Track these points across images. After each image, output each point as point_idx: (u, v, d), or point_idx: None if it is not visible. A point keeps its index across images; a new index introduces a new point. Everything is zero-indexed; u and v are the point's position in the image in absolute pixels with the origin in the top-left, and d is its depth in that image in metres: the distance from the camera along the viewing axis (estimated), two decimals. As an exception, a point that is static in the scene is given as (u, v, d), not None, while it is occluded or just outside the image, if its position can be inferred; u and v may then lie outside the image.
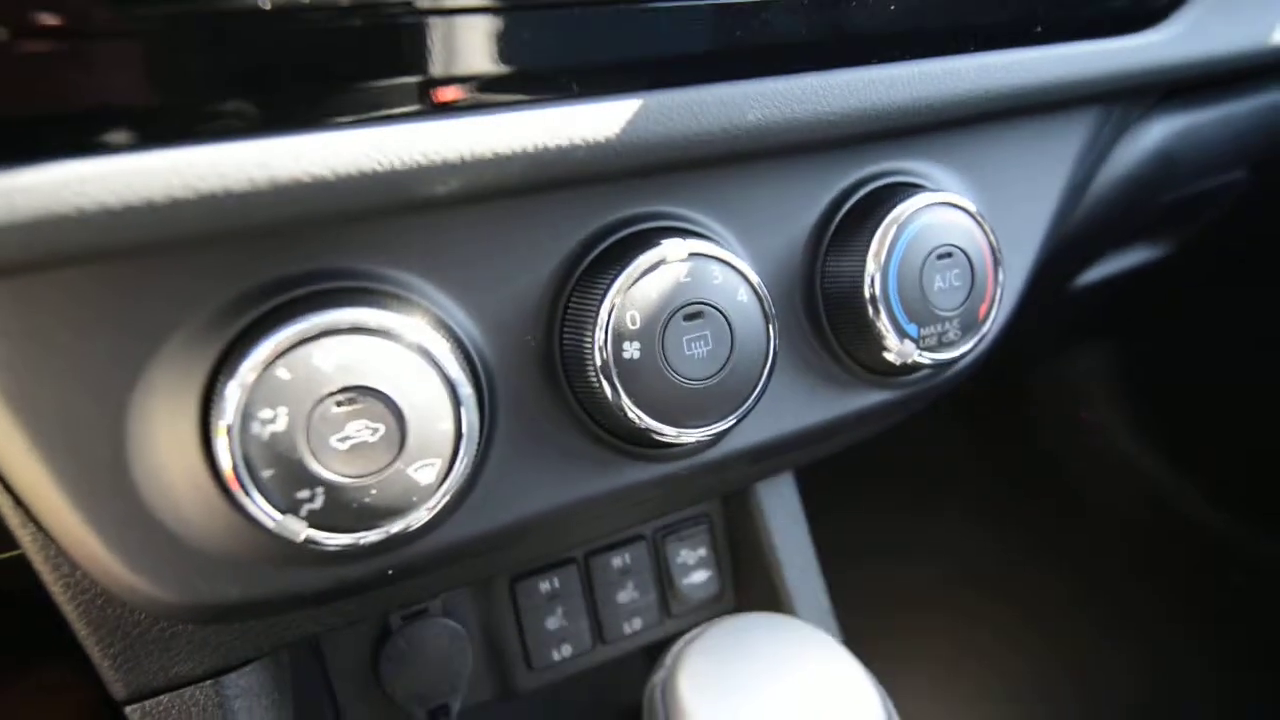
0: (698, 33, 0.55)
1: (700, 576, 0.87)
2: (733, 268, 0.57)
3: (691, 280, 0.55)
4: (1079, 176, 0.82)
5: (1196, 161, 1.01)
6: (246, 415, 0.45)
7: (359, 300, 0.49)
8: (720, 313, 0.56)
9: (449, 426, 0.49)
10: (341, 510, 0.47)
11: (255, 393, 0.45)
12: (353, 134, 0.45)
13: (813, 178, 0.65)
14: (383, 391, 0.47)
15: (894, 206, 0.64)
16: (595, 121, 0.51)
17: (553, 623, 0.81)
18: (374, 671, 0.76)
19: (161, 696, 0.60)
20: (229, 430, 0.45)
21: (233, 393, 0.45)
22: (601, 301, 0.54)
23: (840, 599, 0.91)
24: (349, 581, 0.54)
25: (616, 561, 0.83)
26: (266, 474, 0.46)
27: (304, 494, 0.46)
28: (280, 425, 0.46)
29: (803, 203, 0.65)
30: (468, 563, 0.65)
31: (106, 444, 0.48)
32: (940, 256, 0.64)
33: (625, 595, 0.83)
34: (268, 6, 0.42)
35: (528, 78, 0.50)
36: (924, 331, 0.64)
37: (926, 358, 0.65)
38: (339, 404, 0.46)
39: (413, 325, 0.49)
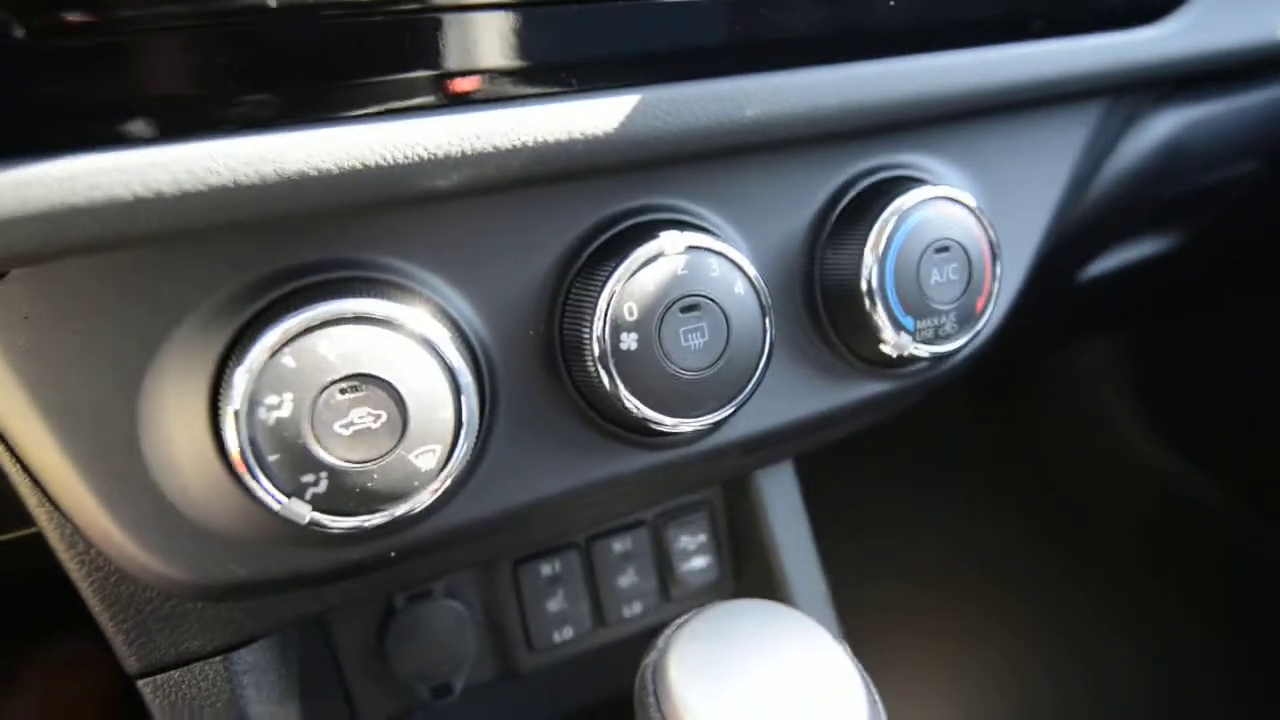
0: (697, 28, 0.55)
1: (700, 563, 0.88)
2: (730, 260, 0.58)
3: (689, 273, 0.56)
4: (1083, 169, 0.82)
5: (1207, 154, 1.01)
6: (254, 401, 0.47)
7: (364, 290, 0.50)
8: (717, 305, 0.57)
9: (449, 414, 0.50)
10: (344, 494, 0.48)
11: (262, 379, 0.47)
12: (357, 129, 0.46)
13: (812, 171, 0.66)
14: (385, 379, 0.48)
15: (892, 200, 0.64)
16: (595, 116, 0.52)
17: (554, 605, 0.83)
18: (379, 650, 0.78)
19: (172, 671, 0.62)
20: (236, 415, 0.47)
21: (240, 379, 0.47)
22: (600, 293, 0.55)
23: (841, 588, 0.93)
24: (352, 563, 0.56)
25: (617, 546, 0.85)
26: (272, 458, 0.47)
27: (308, 478, 0.48)
28: (286, 411, 0.47)
29: (802, 195, 0.66)
30: (469, 546, 0.67)
31: (120, 426, 0.50)
32: (938, 250, 0.65)
33: (626, 580, 0.85)
34: (274, 4, 0.43)
35: (529, 73, 0.51)
36: (920, 324, 0.65)
37: (923, 350, 0.66)
38: (343, 391, 0.48)
39: (415, 315, 0.50)
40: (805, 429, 0.70)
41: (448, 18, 0.48)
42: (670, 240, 0.56)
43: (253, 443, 0.47)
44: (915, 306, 0.65)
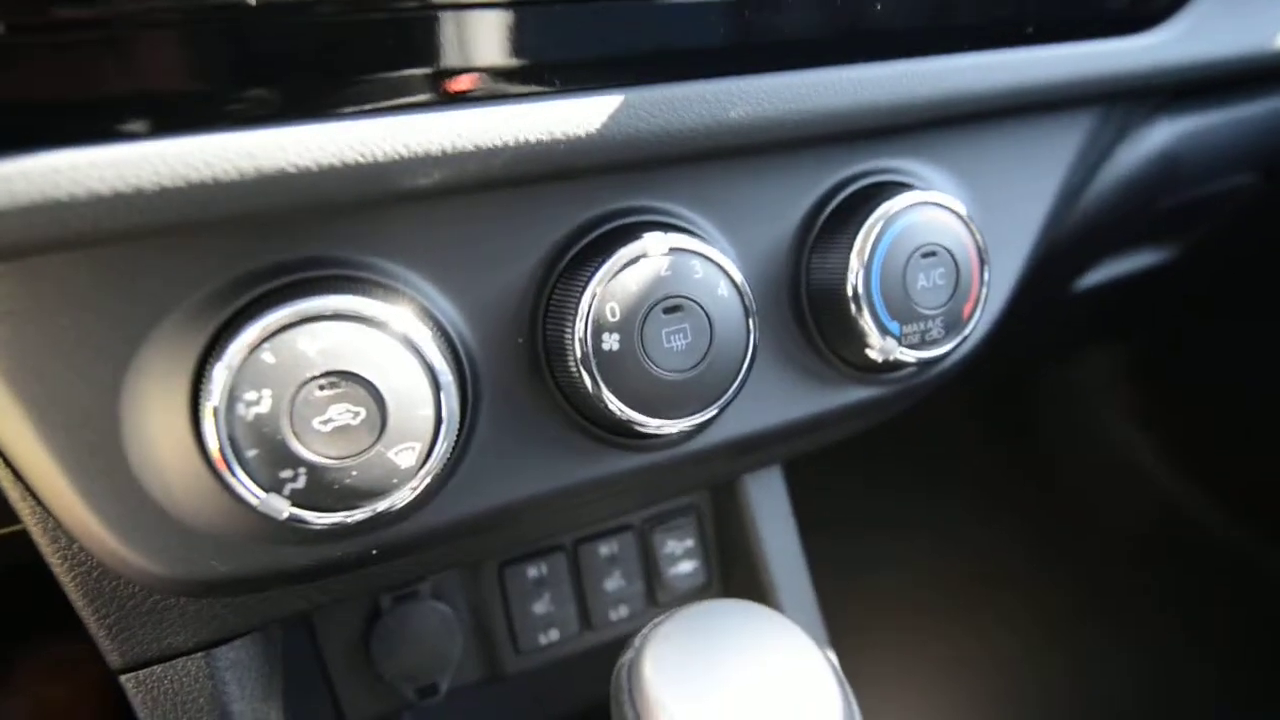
0: (683, 29, 0.56)
1: (687, 567, 0.88)
2: (714, 263, 0.58)
3: (671, 274, 0.56)
4: (1076, 178, 0.82)
5: (1202, 165, 1.01)
6: (232, 397, 0.47)
7: (344, 288, 0.51)
8: (700, 306, 0.57)
9: (429, 412, 0.50)
10: (323, 490, 0.49)
11: (241, 375, 0.47)
12: (337, 126, 0.47)
13: (800, 174, 0.66)
14: (364, 377, 0.49)
15: (879, 204, 0.64)
16: (578, 116, 0.52)
17: (540, 608, 0.83)
18: (365, 651, 0.78)
19: (155, 667, 0.62)
20: (215, 411, 0.47)
21: (220, 375, 0.47)
22: (582, 293, 0.55)
23: (830, 593, 0.92)
24: (334, 560, 0.56)
25: (604, 550, 0.85)
26: (251, 454, 0.47)
27: (287, 473, 0.48)
28: (264, 407, 0.47)
29: (789, 198, 0.66)
30: (453, 546, 0.67)
31: (102, 422, 0.50)
32: (924, 255, 0.65)
33: (612, 583, 0.85)
34: (254, 3, 0.44)
35: (512, 72, 0.52)
36: (906, 329, 0.65)
37: (909, 355, 0.66)
38: (321, 388, 0.48)
39: (396, 313, 0.50)
40: (792, 433, 0.70)
41: (430, 16, 0.48)
42: (653, 241, 0.56)
43: (231, 438, 0.47)
44: (901, 311, 0.65)
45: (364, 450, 0.49)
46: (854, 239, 0.64)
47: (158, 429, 0.50)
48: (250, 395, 0.47)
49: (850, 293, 0.64)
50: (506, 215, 0.56)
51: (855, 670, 0.81)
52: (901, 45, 0.64)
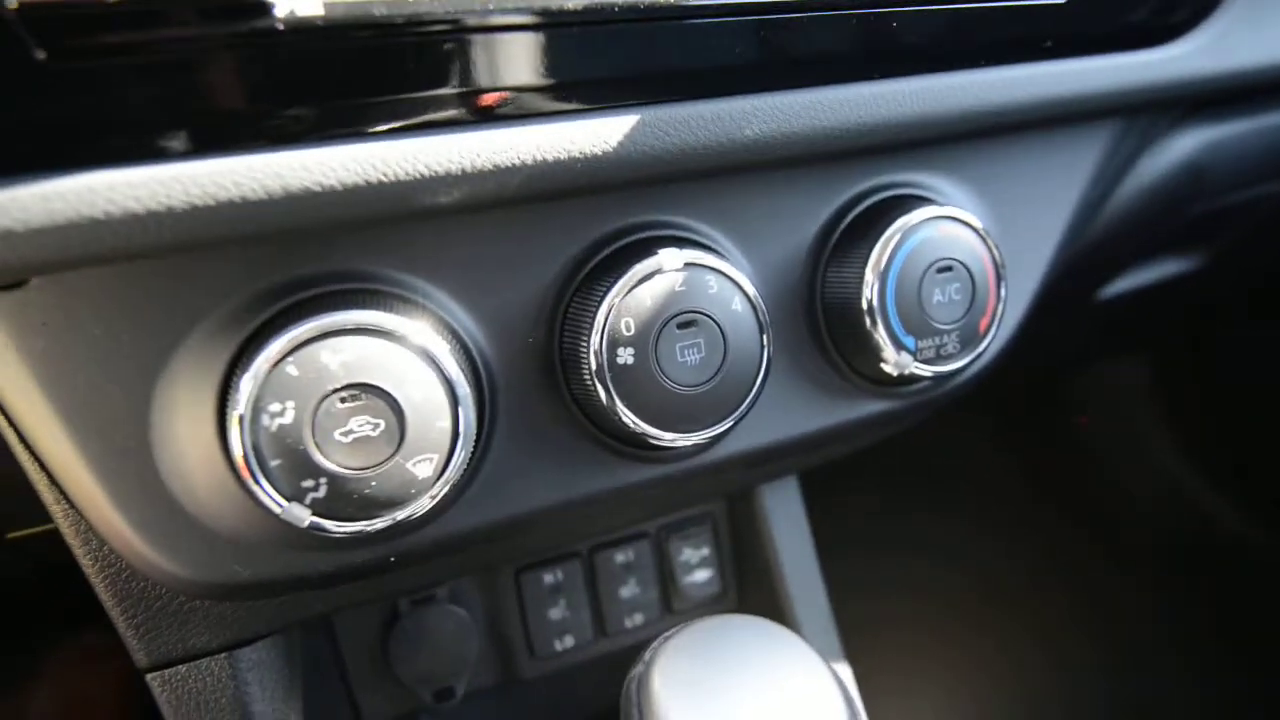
0: (698, 48, 0.56)
1: (702, 575, 0.89)
2: (728, 278, 0.58)
3: (686, 289, 0.57)
4: (1096, 189, 0.82)
5: (1228, 174, 1.00)
6: (257, 408, 0.48)
7: (366, 302, 0.52)
8: (714, 321, 0.58)
9: (447, 424, 0.52)
10: (343, 499, 0.50)
11: (266, 387, 0.48)
12: (360, 147, 0.48)
13: (815, 189, 0.67)
14: (384, 389, 0.50)
15: (895, 219, 0.65)
16: (594, 135, 0.53)
17: (556, 614, 0.84)
18: (383, 653, 0.79)
19: (179, 666, 0.64)
20: (241, 421, 0.49)
21: (246, 386, 0.48)
22: (598, 308, 0.56)
23: (844, 604, 0.92)
24: (353, 566, 0.57)
25: (620, 557, 0.86)
26: (274, 463, 0.49)
27: (308, 483, 0.49)
28: (288, 418, 0.49)
29: (805, 213, 0.66)
30: (470, 553, 0.68)
31: (132, 429, 0.52)
32: (940, 270, 0.65)
33: (627, 591, 0.86)
34: (282, 28, 0.45)
35: (530, 92, 0.52)
36: (922, 344, 0.65)
37: (924, 370, 0.66)
38: (343, 400, 0.49)
39: (416, 327, 0.51)
40: (806, 445, 0.70)
41: (450, 40, 0.50)
42: (668, 257, 0.57)
43: (256, 448, 0.49)
44: (916, 326, 0.65)
45: (383, 461, 0.50)
46: (869, 253, 0.64)
47: (185, 437, 0.52)
48: (274, 406, 0.48)
49: (865, 306, 0.65)
50: (524, 231, 0.57)
51: (868, 681, 0.81)
52: (917, 61, 0.64)
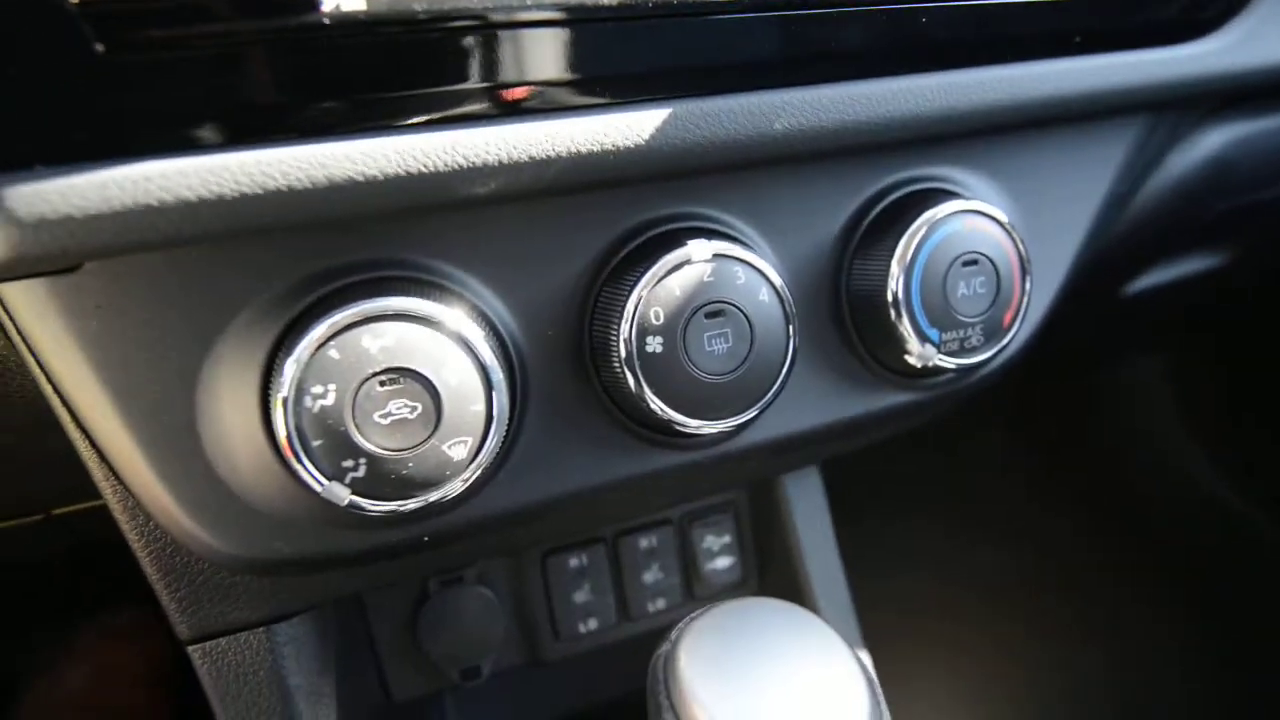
0: (730, 43, 0.57)
1: (724, 562, 0.90)
2: (755, 269, 0.59)
3: (714, 280, 0.58)
4: (1123, 185, 0.82)
5: (1256, 171, 0.99)
6: (300, 390, 0.50)
7: (405, 289, 0.53)
8: (741, 311, 0.59)
9: (481, 408, 0.53)
10: (381, 479, 0.52)
11: (309, 370, 0.50)
12: (401, 139, 0.50)
13: (843, 181, 0.67)
14: (422, 373, 0.52)
15: (922, 212, 0.65)
16: (626, 128, 0.54)
17: (580, 597, 0.86)
18: (412, 632, 0.81)
19: (220, 639, 0.66)
20: (285, 402, 0.50)
21: (289, 369, 0.50)
22: (628, 297, 0.57)
23: (866, 595, 0.93)
24: (388, 545, 0.59)
25: (643, 543, 0.87)
26: (316, 444, 0.51)
27: (348, 463, 0.51)
28: (330, 400, 0.50)
29: (832, 205, 0.67)
30: (498, 535, 0.70)
31: (179, 409, 0.54)
32: (966, 264, 0.66)
33: (650, 576, 0.87)
34: (328, 22, 0.47)
35: (564, 86, 0.54)
36: (946, 336, 0.66)
37: (948, 362, 0.67)
38: (382, 383, 0.51)
39: (452, 314, 0.53)
40: (830, 435, 0.71)
41: (487, 35, 0.51)
42: (697, 248, 0.58)
43: (299, 429, 0.50)
44: (941, 318, 0.66)
45: (420, 443, 0.52)
46: (895, 246, 0.65)
47: (230, 417, 0.54)
48: (317, 389, 0.50)
49: (890, 299, 0.65)
50: (557, 221, 0.59)
51: (888, 668, 0.82)
52: (945, 56, 0.65)
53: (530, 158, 0.52)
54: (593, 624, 0.87)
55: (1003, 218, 0.67)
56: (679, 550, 0.89)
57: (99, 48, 0.44)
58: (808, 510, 0.86)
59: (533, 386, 0.60)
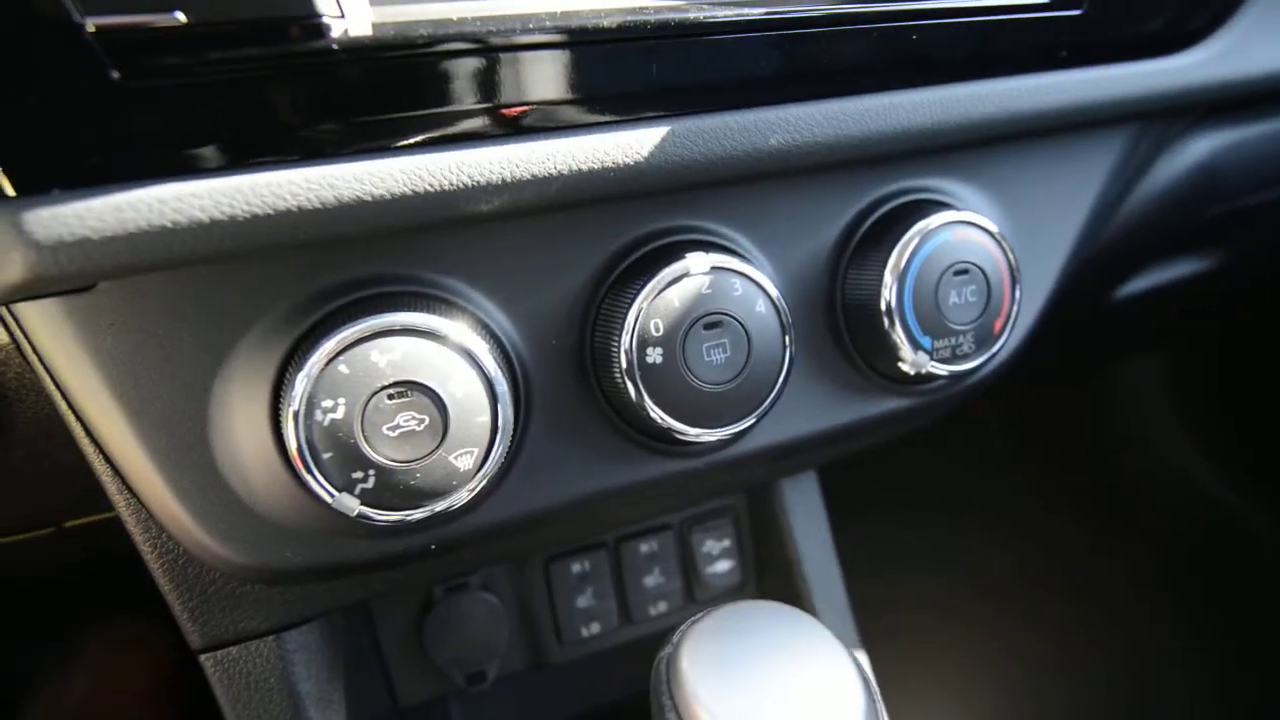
0: (725, 62, 0.59)
1: (724, 566, 0.92)
2: (752, 281, 0.61)
3: (712, 292, 0.60)
4: (1111, 193, 0.83)
5: (1242, 177, 1.01)
6: (311, 403, 0.52)
7: (411, 304, 0.55)
8: (739, 323, 0.60)
9: (486, 419, 0.55)
10: (390, 490, 0.53)
11: (319, 384, 0.52)
12: (407, 159, 0.51)
13: (837, 194, 0.69)
14: (429, 386, 0.53)
15: (914, 223, 0.67)
16: (624, 146, 0.56)
17: (583, 602, 0.87)
18: (418, 638, 0.83)
19: (231, 648, 0.67)
20: (295, 416, 0.52)
21: (300, 383, 0.52)
22: (628, 309, 0.59)
23: (863, 598, 0.95)
24: (396, 553, 0.60)
25: (644, 548, 0.89)
26: (326, 456, 0.52)
27: (358, 474, 0.52)
28: (339, 414, 0.52)
29: (827, 217, 0.69)
30: (503, 542, 0.71)
31: (191, 423, 0.55)
32: (957, 273, 0.67)
33: (652, 580, 0.89)
34: (335, 47, 0.48)
35: (564, 105, 0.55)
36: (938, 344, 0.68)
37: (941, 369, 0.68)
38: (390, 396, 0.52)
39: (457, 328, 0.54)
40: (826, 441, 0.73)
41: (490, 57, 0.52)
42: (695, 261, 0.60)
43: (309, 441, 0.52)
44: (933, 326, 0.67)
45: (427, 454, 0.53)
46: (888, 256, 0.67)
47: (242, 430, 0.55)
48: (327, 402, 0.52)
49: (884, 307, 0.67)
50: (558, 236, 0.60)
51: (885, 671, 0.83)
52: (936, 71, 0.66)
53: (533, 175, 0.54)
54: (595, 628, 0.88)
55: (993, 228, 0.69)
56: (679, 555, 0.90)
57: (115, 74, 0.45)
58: (805, 514, 0.87)
59: (536, 397, 0.62)
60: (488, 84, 0.53)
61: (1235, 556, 1.81)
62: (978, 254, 0.68)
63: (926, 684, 1.70)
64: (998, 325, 0.69)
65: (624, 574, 0.89)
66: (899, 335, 0.67)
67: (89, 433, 0.57)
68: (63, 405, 0.57)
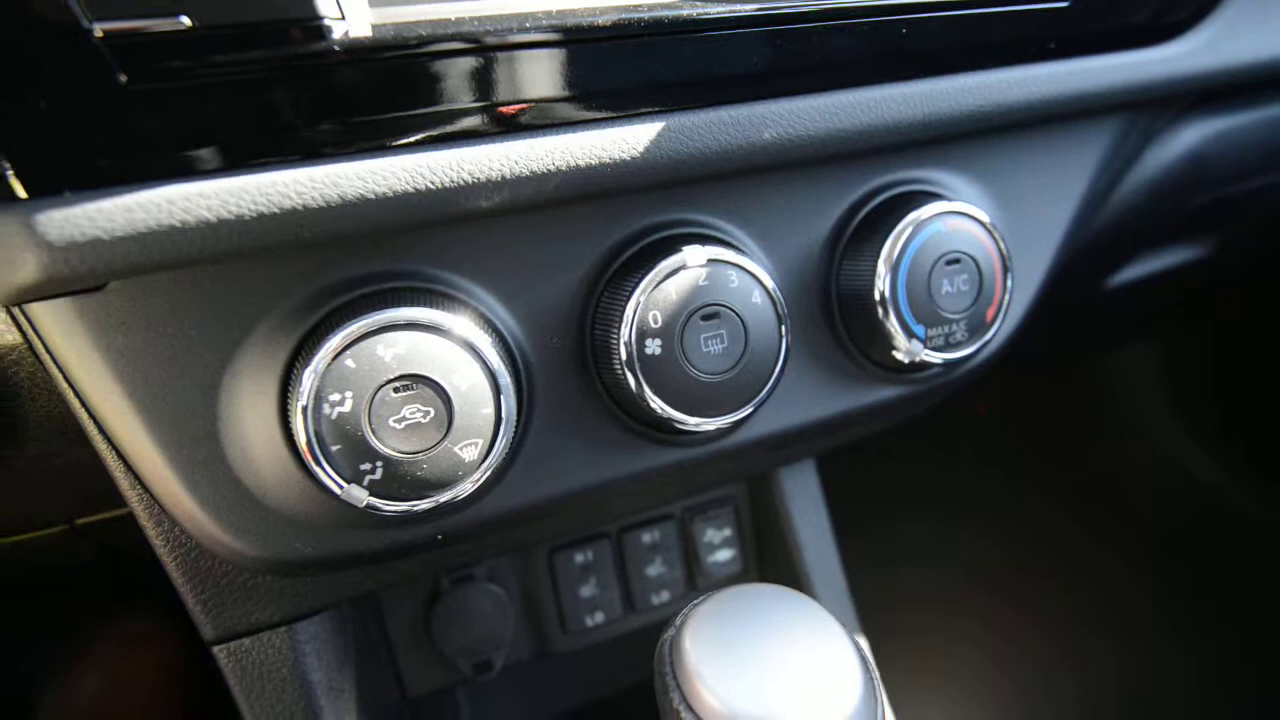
0: (719, 58, 0.60)
1: (725, 555, 0.93)
2: (748, 273, 0.62)
3: (709, 284, 0.61)
4: (1101, 182, 0.85)
5: (1231, 165, 1.02)
6: (319, 398, 0.53)
7: (415, 299, 0.56)
8: (735, 314, 0.62)
9: (490, 411, 0.56)
10: (397, 481, 0.54)
11: (326, 379, 0.53)
12: (408, 158, 0.52)
13: (831, 186, 0.70)
14: (434, 379, 0.54)
15: (906, 214, 0.68)
16: (621, 142, 0.57)
17: (587, 591, 0.88)
18: (426, 629, 0.84)
19: (244, 639, 0.69)
20: (304, 410, 0.53)
21: (308, 378, 0.53)
22: (627, 302, 0.60)
23: (862, 585, 0.96)
24: (403, 543, 0.62)
25: (646, 538, 0.90)
26: (335, 448, 0.53)
27: (366, 466, 0.54)
28: (347, 407, 0.53)
29: (820, 209, 0.70)
30: (508, 532, 0.73)
31: (202, 419, 0.56)
32: (949, 262, 0.69)
33: (654, 569, 0.90)
34: (337, 49, 0.49)
35: (562, 103, 0.57)
36: (931, 332, 0.69)
37: (934, 357, 0.70)
38: (396, 390, 0.54)
39: (460, 322, 0.56)
40: (823, 429, 0.74)
41: (487, 56, 0.54)
42: (692, 254, 0.61)
43: (318, 435, 0.53)
44: (926, 315, 0.68)
45: (433, 446, 0.55)
46: (881, 246, 0.68)
47: (251, 425, 0.57)
48: (334, 396, 0.53)
49: (878, 297, 0.68)
50: (558, 231, 0.61)
51: (884, 655, 0.85)
52: (927, 64, 0.67)
53: (531, 172, 0.55)
54: (599, 617, 0.89)
55: (984, 217, 0.70)
56: (681, 544, 0.92)
57: (122, 78, 0.47)
58: (804, 502, 0.89)
59: (538, 389, 0.63)
60: (486, 82, 0.54)
61: (1230, 543, 1.82)
62: (970, 244, 0.69)
63: (928, 677, 1.72)
64: (990, 314, 0.71)
65: (627, 564, 0.90)
66: (893, 324, 0.68)
67: (101, 430, 0.58)
68: (75, 403, 0.58)
